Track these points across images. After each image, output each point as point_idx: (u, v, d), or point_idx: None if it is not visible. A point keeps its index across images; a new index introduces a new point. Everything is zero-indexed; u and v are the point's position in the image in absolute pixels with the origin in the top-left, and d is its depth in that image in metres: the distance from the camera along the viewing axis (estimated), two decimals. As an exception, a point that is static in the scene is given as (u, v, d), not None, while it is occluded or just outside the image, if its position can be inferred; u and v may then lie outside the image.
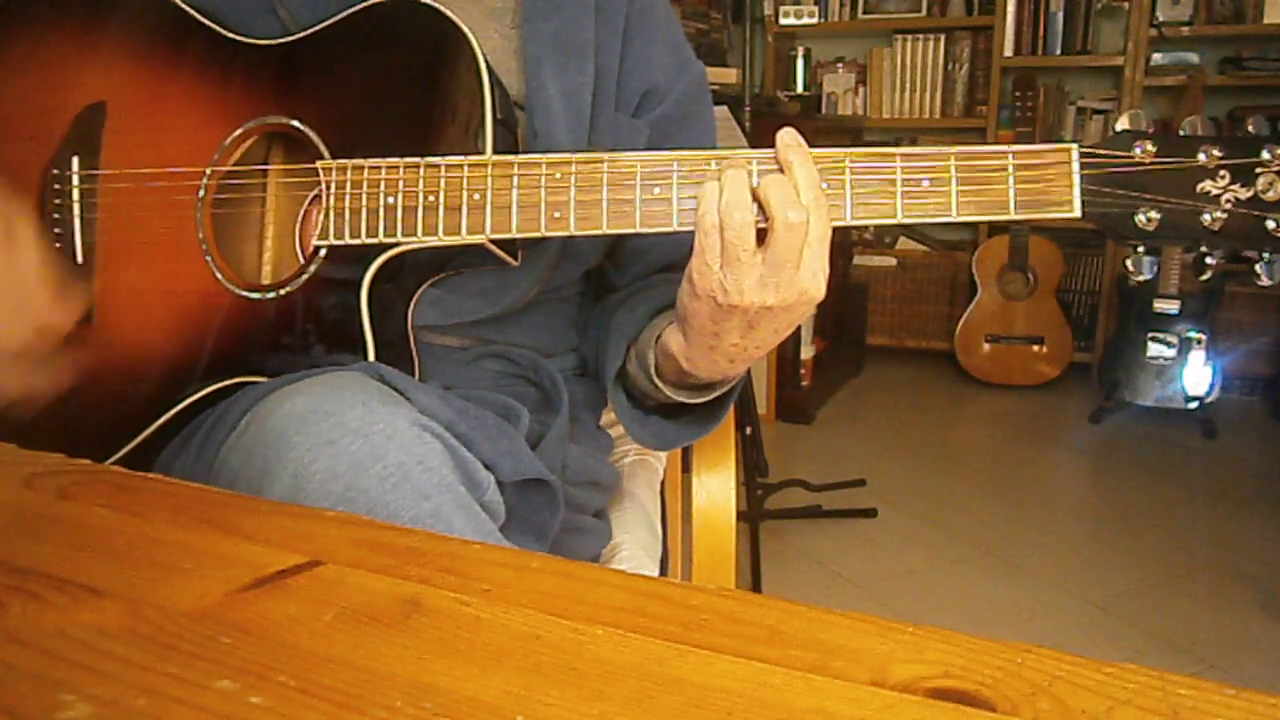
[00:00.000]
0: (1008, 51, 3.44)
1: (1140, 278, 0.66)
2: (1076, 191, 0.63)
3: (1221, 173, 0.63)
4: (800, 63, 3.73)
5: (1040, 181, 0.63)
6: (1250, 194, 0.63)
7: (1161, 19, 3.22)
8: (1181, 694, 0.30)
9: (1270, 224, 0.63)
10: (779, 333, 0.66)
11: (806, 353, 3.08)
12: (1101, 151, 0.63)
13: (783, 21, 3.60)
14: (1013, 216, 0.64)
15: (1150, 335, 2.94)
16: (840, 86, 3.76)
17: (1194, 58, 3.24)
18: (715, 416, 0.80)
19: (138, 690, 0.31)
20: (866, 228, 3.79)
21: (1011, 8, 3.41)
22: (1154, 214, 0.63)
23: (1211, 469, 2.70)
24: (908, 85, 3.67)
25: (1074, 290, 3.49)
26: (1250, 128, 0.64)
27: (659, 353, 0.74)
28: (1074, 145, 0.63)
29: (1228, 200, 0.63)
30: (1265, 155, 0.62)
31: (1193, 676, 0.30)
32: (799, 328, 3.00)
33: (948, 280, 3.61)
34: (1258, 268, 0.64)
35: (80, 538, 0.42)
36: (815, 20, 3.61)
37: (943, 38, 3.60)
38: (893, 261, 3.69)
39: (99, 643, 0.34)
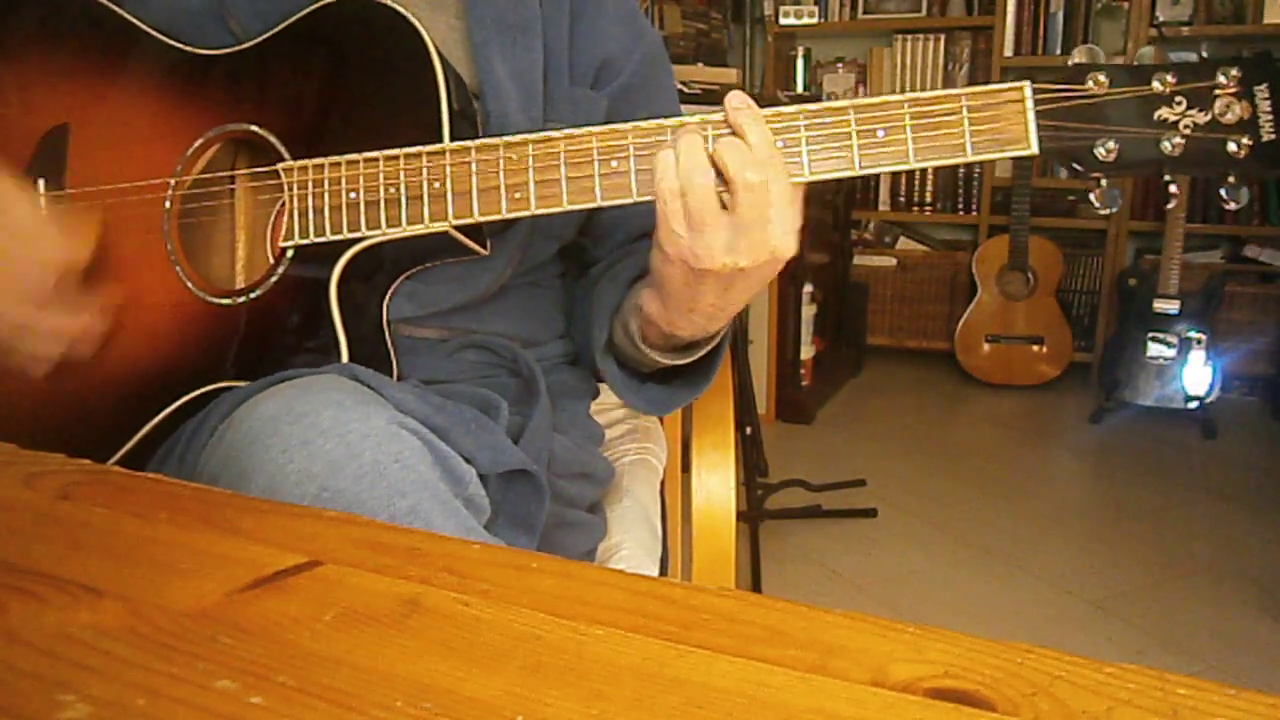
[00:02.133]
0: (1008, 51, 3.44)
1: (1106, 211, 0.66)
2: (1032, 128, 0.62)
3: (1178, 99, 0.62)
4: (800, 63, 3.73)
5: (996, 121, 0.63)
6: (1208, 118, 0.62)
7: (1161, 19, 3.22)
8: (1181, 694, 0.30)
9: (1231, 146, 0.62)
10: (754, 288, 0.66)
11: (806, 353, 3.08)
12: (1055, 86, 0.63)
13: (783, 21, 3.60)
14: (970, 158, 0.63)
15: (1150, 335, 2.94)
16: (840, 86, 3.76)
17: (1194, 58, 3.24)
18: (706, 375, 0.80)
19: (138, 690, 0.31)
20: (866, 227, 3.79)
21: (1011, 8, 3.41)
22: (1112, 144, 0.63)
23: (1211, 469, 2.70)
24: (908, 85, 3.67)
25: (1074, 290, 3.49)
26: (1203, 53, 0.65)
27: (641, 319, 0.74)
28: (1026, 83, 0.63)
29: (1186, 126, 0.62)
30: (1220, 79, 0.62)
31: (1193, 676, 0.30)
32: (799, 328, 3.01)
33: (948, 280, 3.61)
34: (1222, 192, 0.64)
35: (80, 538, 0.42)
36: (815, 20, 3.61)
37: (943, 38, 3.59)
38: (893, 261, 3.69)
39: (99, 643, 0.34)
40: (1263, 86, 0.62)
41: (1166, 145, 0.63)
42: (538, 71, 0.82)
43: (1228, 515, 2.40)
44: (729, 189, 0.61)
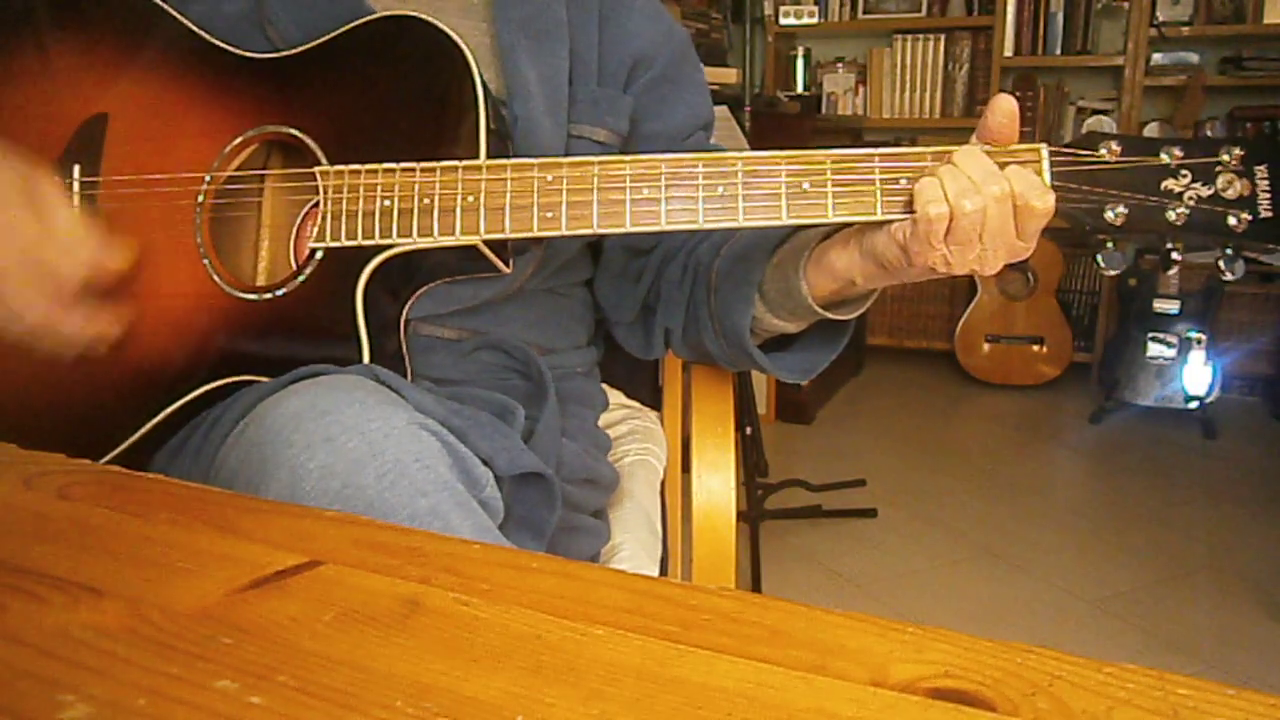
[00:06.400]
0: (1008, 51, 3.44)
1: (1111, 272, 0.69)
2: (1048, 185, 0.65)
3: (1183, 172, 0.66)
4: (800, 63, 3.73)
5: None
6: (1211, 192, 0.66)
7: (1161, 19, 3.22)
8: (1181, 694, 0.30)
9: (1231, 219, 0.66)
10: None
11: (806, 353, 3.07)
12: (1070, 150, 0.66)
13: (783, 21, 3.60)
14: None
15: (1150, 335, 2.94)
16: (840, 86, 3.76)
17: (1194, 58, 3.24)
18: (845, 331, 0.81)
19: (138, 690, 0.31)
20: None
21: (1011, 8, 3.41)
22: (1122, 209, 0.66)
23: (1211, 469, 2.70)
24: (908, 85, 3.67)
25: (1074, 290, 3.49)
26: (1208, 131, 0.68)
27: (819, 276, 0.73)
28: (1043, 145, 0.66)
29: (1190, 197, 0.66)
30: (1224, 156, 0.66)
31: (1193, 676, 0.30)
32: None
33: (948, 280, 3.59)
34: (1220, 263, 0.68)
35: (80, 538, 0.42)
36: (815, 20, 3.61)
37: (943, 38, 3.59)
38: (893, 261, 3.68)
39: (99, 643, 0.34)
40: (1263, 166, 0.66)
41: (1171, 214, 0.66)
42: (563, 75, 0.83)
43: (1228, 515, 2.40)
44: (951, 213, 0.63)
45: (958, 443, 2.98)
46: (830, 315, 0.75)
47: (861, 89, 3.74)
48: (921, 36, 3.62)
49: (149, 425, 0.73)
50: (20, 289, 0.67)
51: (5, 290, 0.66)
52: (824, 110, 3.73)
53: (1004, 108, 0.65)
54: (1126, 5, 3.26)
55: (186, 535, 0.42)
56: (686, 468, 0.96)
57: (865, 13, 3.65)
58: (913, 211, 0.64)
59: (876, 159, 0.65)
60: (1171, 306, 2.90)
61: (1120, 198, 0.66)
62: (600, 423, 0.94)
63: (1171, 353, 2.91)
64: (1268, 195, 0.65)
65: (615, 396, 1.06)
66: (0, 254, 0.66)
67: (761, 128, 2.82)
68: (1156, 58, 3.26)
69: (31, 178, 0.67)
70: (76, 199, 0.76)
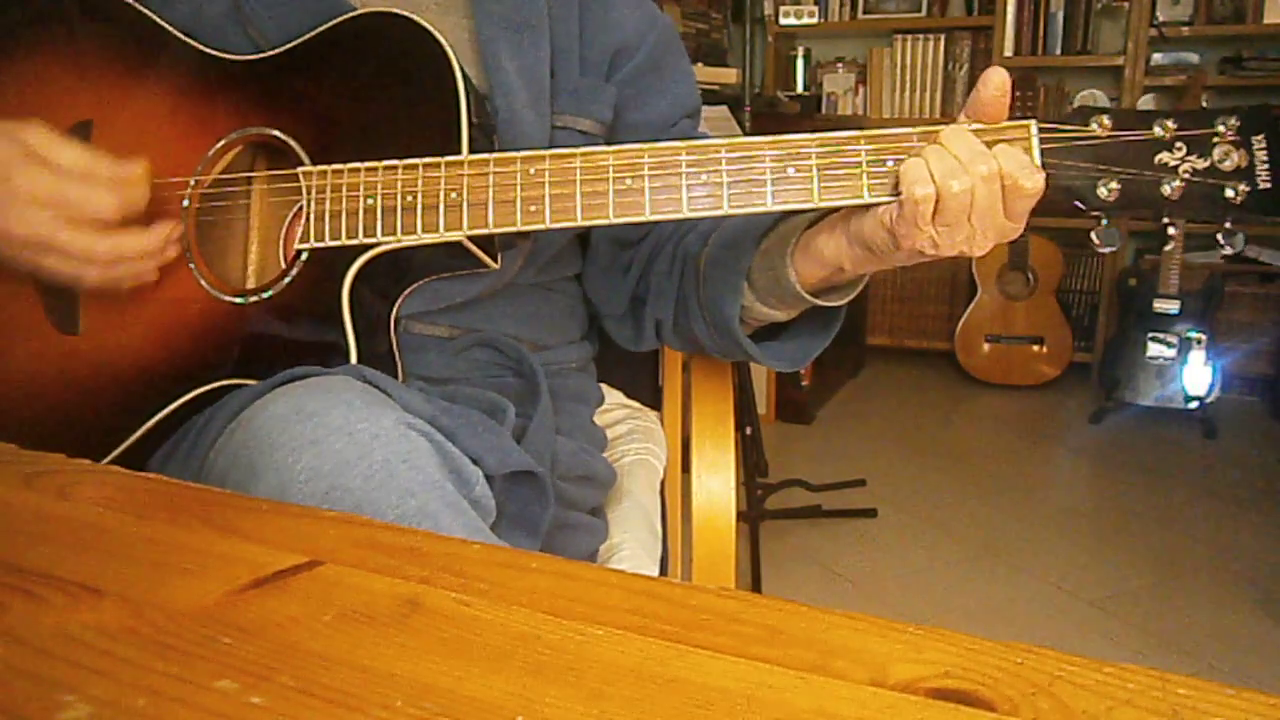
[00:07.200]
0: (1008, 51, 3.44)
1: (1107, 249, 0.67)
2: (1037, 165, 0.64)
3: (1178, 144, 0.64)
4: (800, 63, 3.73)
5: None
6: (1207, 164, 0.64)
7: (1161, 19, 3.22)
8: (1181, 694, 0.30)
9: (1228, 192, 0.64)
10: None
11: (806, 353, 3.07)
12: (1060, 125, 0.64)
13: (783, 21, 3.60)
14: None
15: (1150, 335, 2.94)
16: (840, 86, 3.76)
17: (1194, 58, 3.24)
18: (837, 318, 0.81)
19: (138, 690, 0.31)
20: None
21: (1011, 8, 3.41)
22: (1115, 185, 0.64)
23: (1211, 469, 2.70)
24: (908, 85, 3.67)
25: (1074, 290, 3.49)
26: (1204, 103, 0.66)
27: (807, 263, 0.72)
28: (1032, 121, 0.64)
29: (1185, 170, 0.64)
30: (1219, 127, 0.64)
31: (1193, 676, 0.30)
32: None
33: (948, 280, 3.61)
34: (1219, 237, 0.65)
35: (80, 538, 0.42)
36: (815, 20, 3.61)
37: (943, 38, 3.59)
38: (893, 261, 3.68)
39: (99, 643, 0.34)
40: (1260, 136, 0.64)
41: (1166, 189, 0.64)
42: (545, 67, 0.83)
43: (1228, 515, 2.40)
44: (938, 193, 0.62)
45: (958, 443, 2.98)
46: (819, 302, 0.75)
47: (861, 89, 3.74)
48: (921, 36, 3.62)
49: (141, 430, 0.73)
50: (72, 236, 0.67)
51: (59, 243, 0.67)
52: (824, 110, 3.73)
53: (996, 80, 0.63)
54: (1126, 5, 3.26)
55: (186, 535, 0.42)
56: (686, 468, 0.96)
57: (865, 13, 3.65)
58: (899, 194, 0.63)
59: (862, 141, 0.64)
60: (1171, 306, 2.90)
61: (1113, 173, 0.64)
62: (600, 422, 0.94)
63: (1171, 353, 2.91)
64: (1266, 165, 0.63)
65: (615, 396, 1.06)
66: (35, 217, 0.66)
67: (761, 128, 2.82)
68: (1156, 58, 3.26)
69: (15, 136, 0.67)
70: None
